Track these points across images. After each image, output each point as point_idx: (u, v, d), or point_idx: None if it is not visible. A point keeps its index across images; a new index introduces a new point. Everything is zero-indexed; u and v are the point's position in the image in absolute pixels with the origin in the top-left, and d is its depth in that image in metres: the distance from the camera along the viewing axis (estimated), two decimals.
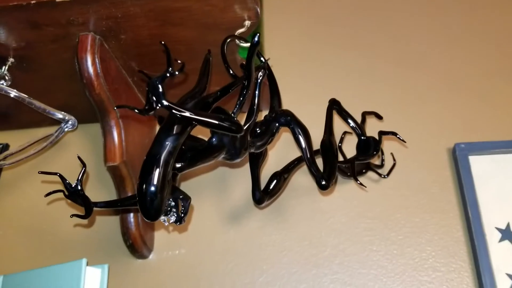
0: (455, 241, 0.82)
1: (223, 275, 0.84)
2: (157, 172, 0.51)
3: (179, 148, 0.53)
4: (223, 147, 0.59)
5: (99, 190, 0.92)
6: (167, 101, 0.48)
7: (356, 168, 0.85)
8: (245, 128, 0.60)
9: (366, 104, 0.94)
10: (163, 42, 0.54)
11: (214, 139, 0.58)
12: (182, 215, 0.54)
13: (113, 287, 0.84)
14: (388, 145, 0.90)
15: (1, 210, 0.95)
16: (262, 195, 0.72)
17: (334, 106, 0.76)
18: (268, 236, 0.86)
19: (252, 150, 0.66)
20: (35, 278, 0.78)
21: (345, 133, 0.86)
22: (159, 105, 0.48)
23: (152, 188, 0.51)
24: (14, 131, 1.00)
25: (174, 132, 0.53)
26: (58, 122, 0.85)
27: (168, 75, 0.48)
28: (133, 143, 0.83)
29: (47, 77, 0.84)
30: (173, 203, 0.54)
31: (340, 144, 0.85)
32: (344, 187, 0.88)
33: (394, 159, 0.87)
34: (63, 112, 0.81)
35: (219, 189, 0.91)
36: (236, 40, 0.70)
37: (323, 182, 0.66)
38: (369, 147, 0.77)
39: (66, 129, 0.79)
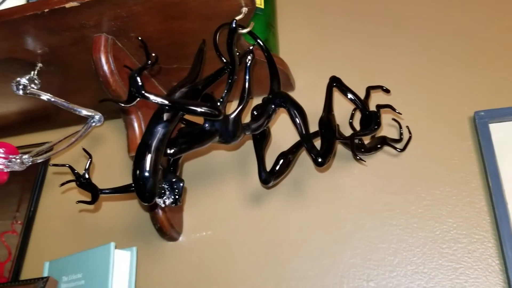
0: (477, 212, 0.80)
1: (247, 254, 0.88)
2: (148, 158, 0.55)
3: (169, 134, 0.57)
4: (216, 132, 0.61)
5: (128, 177, 0.98)
6: (145, 91, 0.51)
7: (372, 143, 0.85)
8: (236, 112, 0.63)
9: (384, 76, 0.94)
10: (139, 38, 0.57)
11: (206, 125, 0.61)
12: (177, 196, 0.58)
13: (145, 269, 0.91)
14: (406, 117, 0.89)
15: (49, 203, 1.05)
16: (268, 175, 0.74)
17: (334, 83, 0.76)
18: (289, 215, 0.89)
19: (248, 133, 0.68)
20: (73, 262, 0.86)
21: (355, 109, 0.86)
22: (139, 96, 0.51)
23: (144, 173, 0.55)
24: (55, 130, 1.09)
25: (164, 120, 0.56)
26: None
27: (145, 67, 0.52)
28: None
29: (74, 78, 0.91)
30: (166, 186, 0.57)
31: (351, 121, 0.85)
32: (362, 165, 0.88)
33: (409, 132, 0.86)
34: (89, 109, 0.88)
35: (241, 171, 0.94)
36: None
37: (319, 159, 0.67)
38: (371, 122, 0.76)
39: (93, 124, 0.85)
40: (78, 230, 0.99)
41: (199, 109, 0.55)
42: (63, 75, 0.91)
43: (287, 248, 0.86)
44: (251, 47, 0.68)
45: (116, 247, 0.84)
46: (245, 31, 0.73)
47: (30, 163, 0.78)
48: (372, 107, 0.83)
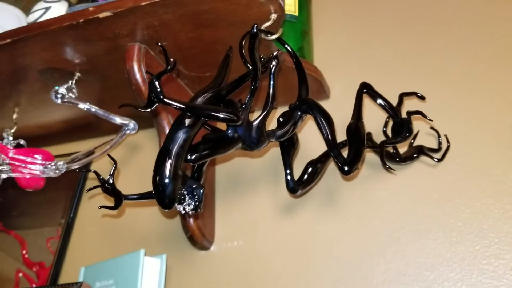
0: None
1: (278, 265, 0.86)
2: (168, 164, 0.55)
3: (190, 141, 0.57)
4: (239, 139, 0.61)
5: None
6: (164, 96, 0.52)
7: (408, 153, 0.82)
8: (259, 118, 0.62)
9: (423, 82, 0.91)
10: (159, 43, 0.58)
11: (229, 131, 0.61)
12: (197, 203, 0.58)
13: (176, 277, 0.91)
14: (445, 125, 0.85)
15: (88, 209, 1.07)
16: (296, 184, 0.72)
17: (365, 89, 0.74)
18: (321, 226, 0.86)
19: (273, 140, 0.67)
20: (105, 268, 0.87)
21: (389, 116, 0.83)
22: (158, 101, 0.52)
23: (164, 179, 0.55)
24: (97, 138, 1.12)
25: (185, 126, 0.56)
26: None
27: (164, 72, 0.52)
28: None
29: (111, 87, 0.94)
30: (186, 193, 0.57)
31: (384, 129, 0.82)
32: (399, 174, 0.85)
33: (448, 141, 0.82)
34: (124, 117, 0.89)
35: (274, 180, 0.93)
36: (262, 34, 0.72)
37: (346, 168, 0.65)
38: (403, 129, 0.73)
39: (127, 132, 0.87)
40: (114, 236, 1.00)
41: (217, 114, 0.54)
42: (100, 84, 0.93)
43: (318, 260, 0.84)
44: (275, 53, 0.67)
45: (147, 254, 0.85)
46: (273, 37, 0.73)
47: (65, 170, 0.80)
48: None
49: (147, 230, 0.98)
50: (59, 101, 0.86)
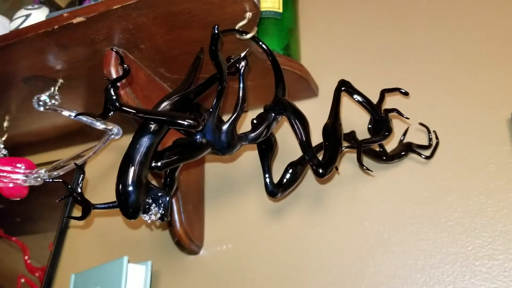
0: None
1: (268, 269, 0.84)
2: (131, 173, 0.54)
3: (154, 147, 0.55)
4: (207, 144, 0.59)
5: None
6: (120, 104, 0.50)
7: (395, 151, 0.79)
8: (229, 122, 0.60)
9: (414, 77, 0.87)
10: (113, 49, 0.56)
11: (197, 136, 0.59)
12: (163, 212, 0.56)
13: (166, 283, 0.89)
14: (435, 121, 0.82)
15: None
16: (275, 187, 0.70)
17: (343, 87, 0.71)
18: (310, 228, 0.84)
19: (245, 143, 0.64)
20: (93, 275, 0.86)
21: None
22: (113, 108, 0.50)
23: (127, 188, 0.53)
24: (90, 144, 1.11)
25: (149, 133, 0.55)
26: None
27: (119, 78, 0.50)
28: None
29: (94, 92, 0.92)
30: (151, 201, 0.56)
31: (369, 126, 0.78)
32: (388, 172, 0.82)
33: (437, 138, 0.78)
34: (108, 123, 0.88)
35: (262, 184, 0.90)
36: (237, 34, 0.70)
37: (320, 170, 0.62)
38: (382, 127, 0.70)
39: (111, 137, 0.86)
40: (106, 242, 1.00)
41: (176, 121, 0.53)
42: (84, 90, 0.92)
43: (308, 263, 0.82)
44: (244, 53, 0.64)
45: (135, 260, 0.84)
46: (248, 36, 0.71)
47: (46, 178, 0.79)
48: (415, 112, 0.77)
49: (138, 235, 0.97)
50: (41, 108, 0.85)
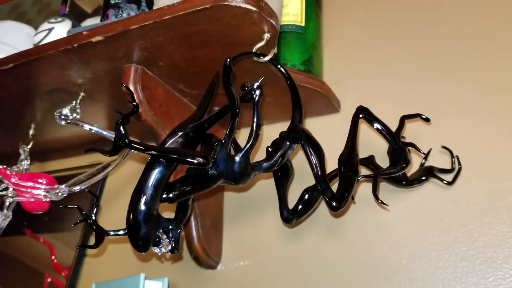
0: None
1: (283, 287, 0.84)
2: (141, 206, 0.54)
3: (165, 180, 0.55)
4: (220, 175, 0.58)
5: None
6: (130, 141, 0.50)
7: (416, 175, 0.77)
8: (242, 153, 0.59)
9: (440, 96, 0.84)
10: (123, 85, 0.56)
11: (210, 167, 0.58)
12: (174, 244, 0.56)
13: None
14: (461, 143, 0.79)
15: (106, 222, 1.08)
16: (290, 214, 0.69)
17: (361, 114, 0.69)
18: (328, 250, 0.83)
19: (259, 172, 0.64)
20: (113, 287, 0.87)
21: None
22: (124, 145, 0.50)
23: (137, 222, 0.53)
24: None
25: (159, 166, 0.54)
26: None
27: (129, 114, 0.50)
28: None
29: (116, 105, 0.93)
30: (162, 235, 0.56)
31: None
32: (408, 196, 0.79)
33: (459, 163, 0.75)
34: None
35: None
36: (254, 57, 0.69)
37: (334, 204, 0.61)
38: (400, 158, 0.68)
39: (130, 152, 0.86)
40: (127, 254, 1.01)
41: (186, 159, 0.52)
42: (105, 103, 0.93)
43: (324, 285, 0.81)
44: (258, 82, 0.63)
45: (150, 273, 0.85)
46: (265, 59, 0.70)
47: (67, 194, 0.80)
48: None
49: None
50: (63, 122, 0.86)
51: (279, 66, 0.70)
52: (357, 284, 0.78)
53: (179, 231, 0.56)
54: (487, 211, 0.74)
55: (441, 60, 0.87)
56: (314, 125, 0.91)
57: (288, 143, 0.65)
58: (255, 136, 0.60)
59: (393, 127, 0.77)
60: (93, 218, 0.60)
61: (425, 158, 0.78)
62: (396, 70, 0.90)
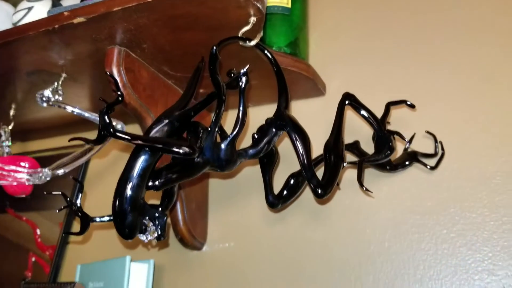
0: None
1: (269, 269, 0.85)
2: (127, 195, 0.53)
3: (150, 169, 0.55)
4: (206, 163, 0.58)
5: None
6: (114, 130, 0.49)
7: (399, 160, 0.78)
8: (228, 140, 0.59)
9: (425, 79, 0.84)
10: (108, 72, 0.55)
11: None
12: (160, 232, 0.56)
13: (169, 276, 0.91)
14: (444, 129, 0.80)
15: (89, 204, 1.08)
16: (275, 199, 0.70)
17: (347, 100, 0.69)
18: (312, 231, 0.84)
19: (245, 159, 0.64)
20: (98, 269, 0.88)
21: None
22: (109, 134, 0.49)
23: (123, 210, 0.53)
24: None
25: (144, 154, 0.54)
26: None
27: (114, 103, 0.49)
28: None
29: (98, 86, 0.92)
30: (148, 222, 0.56)
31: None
32: (392, 180, 0.80)
33: (442, 149, 0.76)
34: (114, 119, 0.87)
35: None
36: (240, 41, 0.68)
37: (319, 191, 0.61)
38: (385, 145, 0.68)
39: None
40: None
41: (172, 149, 0.52)
42: (87, 84, 0.92)
43: (308, 266, 0.82)
44: (244, 69, 0.63)
45: (136, 254, 0.86)
46: (251, 43, 0.69)
47: (50, 178, 0.79)
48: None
49: None
50: (45, 104, 0.85)
51: (266, 52, 0.69)
52: (340, 265, 0.80)
53: (165, 218, 0.56)
54: (468, 195, 0.75)
55: (428, 46, 0.87)
56: (299, 108, 0.91)
57: (274, 130, 0.65)
58: (241, 124, 0.59)
59: (379, 111, 0.78)
60: (78, 204, 0.60)
61: (409, 142, 0.79)
62: (382, 54, 0.90)
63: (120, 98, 0.51)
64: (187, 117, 0.58)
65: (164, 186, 0.56)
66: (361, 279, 0.77)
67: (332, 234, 0.82)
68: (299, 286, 0.81)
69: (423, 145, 0.80)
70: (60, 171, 0.80)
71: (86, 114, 0.86)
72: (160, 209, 0.63)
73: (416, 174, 0.79)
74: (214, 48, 0.56)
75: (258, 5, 0.67)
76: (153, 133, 0.55)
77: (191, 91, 0.62)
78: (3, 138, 0.99)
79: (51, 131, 1.18)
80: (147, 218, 0.55)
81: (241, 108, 0.60)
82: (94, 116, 0.88)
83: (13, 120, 1.03)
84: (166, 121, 0.57)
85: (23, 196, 0.82)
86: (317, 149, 0.79)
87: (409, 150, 0.78)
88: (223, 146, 0.59)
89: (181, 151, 0.52)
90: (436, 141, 0.77)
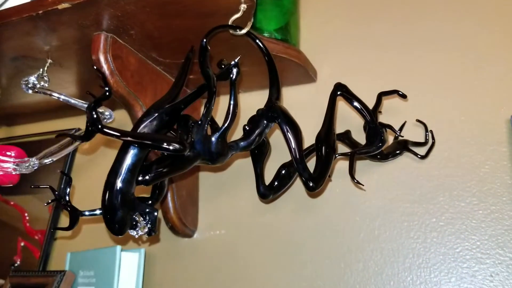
0: (506, 230, 0.71)
1: (258, 257, 0.85)
2: (116, 190, 0.53)
3: (140, 163, 0.54)
4: (197, 156, 0.57)
5: None
6: (102, 126, 0.48)
7: (390, 149, 0.78)
8: (219, 133, 0.58)
9: (414, 69, 0.84)
10: (95, 67, 0.53)
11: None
12: (151, 226, 0.56)
13: (161, 264, 0.91)
14: (434, 118, 0.79)
15: (78, 191, 1.07)
16: (267, 190, 0.69)
17: (339, 91, 0.68)
18: (302, 219, 0.84)
19: (236, 151, 0.63)
20: (89, 258, 0.88)
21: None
22: (96, 130, 0.48)
23: (113, 206, 0.53)
24: (83, 116, 1.10)
25: (134, 149, 0.53)
26: None
27: (101, 98, 0.48)
28: None
29: (84, 72, 0.90)
30: (139, 218, 0.55)
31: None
32: (383, 168, 0.81)
33: (433, 138, 0.76)
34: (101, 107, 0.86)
35: None
36: (230, 30, 0.66)
37: (311, 184, 0.61)
38: (377, 137, 0.68)
39: (104, 121, 0.84)
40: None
41: (162, 145, 0.51)
42: (73, 70, 0.90)
43: (298, 253, 0.83)
44: (235, 60, 0.61)
45: (127, 242, 0.85)
46: (242, 32, 0.68)
47: (37, 167, 0.78)
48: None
49: None
50: (30, 91, 0.83)
51: (257, 41, 0.68)
52: (330, 253, 0.80)
53: (156, 213, 0.55)
54: (457, 184, 0.76)
55: (422, 32, 0.86)
56: (290, 95, 0.90)
57: (265, 121, 0.64)
58: (232, 116, 0.59)
59: (370, 98, 0.77)
60: (67, 198, 0.59)
61: (400, 130, 0.79)
62: (375, 40, 0.89)
63: (107, 93, 0.50)
64: (177, 110, 0.57)
65: (155, 180, 0.56)
66: (351, 267, 0.78)
67: (322, 221, 0.83)
68: (289, 273, 0.82)
69: (412, 132, 0.80)
70: (48, 160, 0.79)
71: (72, 101, 0.85)
72: (150, 202, 0.62)
73: (406, 162, 0.79)
74: (204, 40, 0.55)
75: None
76: (142, 127, 0.54)
77: (181, 82, 0.60)
78: None
79: (37, 116, 1.16)
80: (138, 213, 0.55)
81: (231, 101, 0.59)
82: (81, 103, 0.86)
83: None
84: (156, 114, 0.55)
85: (10, 185, 0.81)
86: (307, 136, 0.78)
87: (399, 139, 0.78)
88: (213, 139, 0.58)
89: (171, 147, 0.51)
90: (426, 130, 0.77)
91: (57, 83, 0.92)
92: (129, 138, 0.50)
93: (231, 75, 0.60)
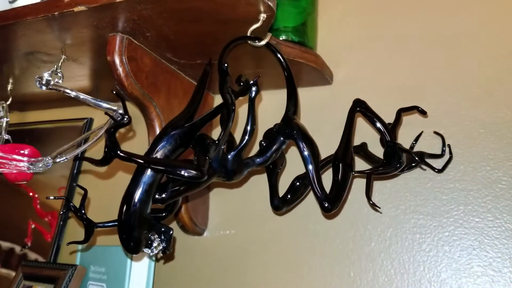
0: None
1: (269, 258, 0.86)
2: (132, 211, 0.53)
3: (156, 184, 0.54)
4: (213, 174, 0.57)
5: None
6: (121, 151, 0.48)
7: (405, 162, 0.76)
8: (235, 152, 0.58)
9: (436, 76, 0.82)
10: (114, 91, 0.53)
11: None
12: (166, 245, 0.56)
13: (170, 261, 0.92)
14: (452, 130, 0.78)
15: (89, 177, 1.07)
16: (280, 202, 0.69)
17: (358, 108, 0.66)
18: (313, 224, 0.84)
19: (252, 168, 0.62)
20: (100, 254, 0.89)
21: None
22: (115, 155, 0.48)
23: (128, 226, 0.53)
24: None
25: (149, 171, 0.53)
26: None
27: (118, 126, 0.48)
28: None
29: (99, 69, 0.89)
30: (154, 237, 0.55)
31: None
32: (397, 178, 0.80)
33: (450, 153, 0.75)
34: (114, 104, 0.85)
35: None
36: (249, 41, 0.65)
37: (326, 205, 0.60)
38: (394, 157, 0.67)
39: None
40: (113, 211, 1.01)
41: (179, 172, 0.50)
42: (88, 66, 0.89)
43: (308, 258, 0.83)
44: (254, 79, 0.60)
45: None
46: (261, 44, 0.66)
47: (50, 166, 0.78)
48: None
49: None
50: (44, 88, 0.82)
51: (278, 55, 0.66)
52: (340, 260, 0.81)
53: (171, 232, 0.56)
54: (472, 198, 0.75)
55: (442, 35, 0.83)
56: (305, 96, 0.88)
57: (282, 138, 0.63)
58: (249, 135, 0.58)
59: (388, 104, 0.76)
60: (83, 211, 0.59)
61: (415, 140, 0.77)
62: (394, 42, 0.87)
63: (127, 121, 0.49)
64: (194, 130, 0.56)
65: (171, 199, 0.55)
66: (360, 275, 0.78)
67: (333, 228, 0.83)
68: (298, 277, 0.83)
69: (429, 142, 0.79)
70: (62, 159, 0.79)
71: (89, 98, 0.84)
72: (164, 214, 0.62)
73: (421, 173, 0.78)
74: (225, 65, 0.54)
75: (269, 2, 0.64)
76: (160, 147, 0.54)
77: (198, 97, 0.59)
78: (1, 114, 0.97)
79: (49, 103, 1.16)
80: (153, 232, 0.55)
81: (249, 119, 0.58)
82: (95, 101, 0.85)
83: (11, 95, 1.01)
84: (173, 133, 0.55)
85: (24, 182, 0.81)
86: (320, 142, 0.77)
87: (415, 150, 0.77)
88: (230, 157, 0.58)
89: (187, 174, 0.51)
90: (444, 143, 0.76)
91: (70, 76, 0.92)
92: (147, 165, 0.49)
93: (250, 94, 0.59)
